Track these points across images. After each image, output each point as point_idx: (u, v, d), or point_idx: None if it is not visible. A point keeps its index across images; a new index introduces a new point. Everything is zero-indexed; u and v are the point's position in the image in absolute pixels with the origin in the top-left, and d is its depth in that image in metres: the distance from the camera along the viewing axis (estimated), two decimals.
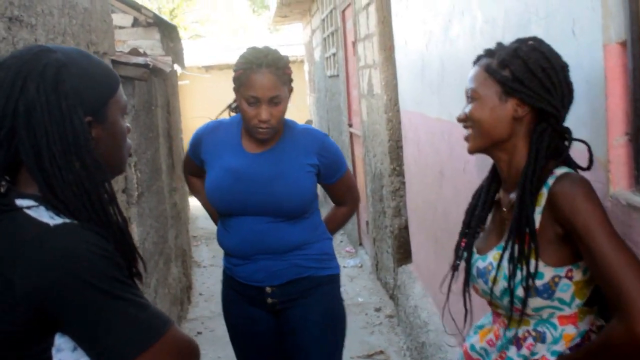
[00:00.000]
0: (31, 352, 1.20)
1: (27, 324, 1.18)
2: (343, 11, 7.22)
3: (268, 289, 2.62)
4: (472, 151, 1.76)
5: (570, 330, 1.64)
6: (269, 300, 2.63)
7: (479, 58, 1.78)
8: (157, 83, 5.21)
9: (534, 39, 1.71)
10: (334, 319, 2.71)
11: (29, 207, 1.24)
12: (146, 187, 4.30)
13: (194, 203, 10.98)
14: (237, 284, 2.69)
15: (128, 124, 1.46)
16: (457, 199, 3.43)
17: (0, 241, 1.22)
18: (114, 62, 3.68)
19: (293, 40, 15.13)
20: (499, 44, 1.76)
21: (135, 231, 3.89)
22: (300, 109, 14.17)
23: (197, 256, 8.09)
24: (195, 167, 2.83)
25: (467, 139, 1.77)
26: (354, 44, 6.55)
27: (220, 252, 2.80)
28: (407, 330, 4.84)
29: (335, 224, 2.87)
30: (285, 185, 2.54)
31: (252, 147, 2.62)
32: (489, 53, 1.75)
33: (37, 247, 1.18)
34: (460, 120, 1.76)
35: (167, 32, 6.58)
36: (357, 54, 6.42)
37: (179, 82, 9.79)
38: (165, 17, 22.61)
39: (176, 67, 8.05)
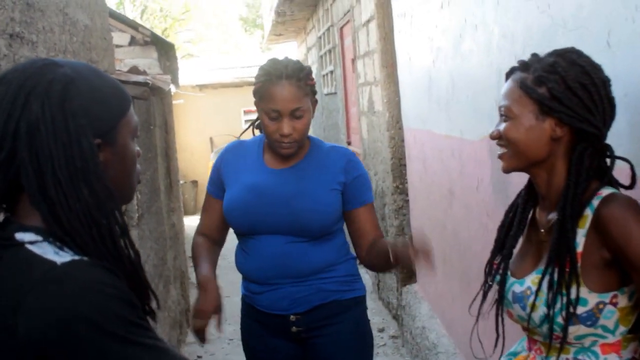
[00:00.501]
0: None
1: None
2: (341, 28, 7.17)
3: (292, 317, 2.45)
4: (507, 171, 1.66)
5: (613, 359, 1.54)
6: (294, 329, 2.46)
7: (512, 71, 1.66)
8: (155, 102, 5.12)
9: (572, 50, 1.59)
10: (363, 344, 2.55)
11: (31, 242, 1.10)
12: (146, 208, 4.20)
13: (188, 223, 10.88)
14: (259, 313, 2.52)
15: (138, 148, 1.33)
16: (469, 218, 3.35)
17: (1, 282, 1.09)
18: None
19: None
20: (534, 55, 1.63)
21: None
22: None
23: (195, 277, 7.96)
24: (215, 215, 2.55)
25: (501, 157, 1.66)
26: (353, 61, 6.49)
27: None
28: (414, 352, 4.73)
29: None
30: (308, 203, 2.39)
31: (274, 164, 2.47)
32: (523, 66, 1.62)
33: (42, 289, 1.05)
34: (493, 137, 1.66)
35: (164, 50, 6.51)
36: (357, 71, 6.36)
37: (174, 101, 9.70)
38: None
39: (171, 86, 7.98)
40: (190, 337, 5.87)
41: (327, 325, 2.47)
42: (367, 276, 7.08)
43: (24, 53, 2.22)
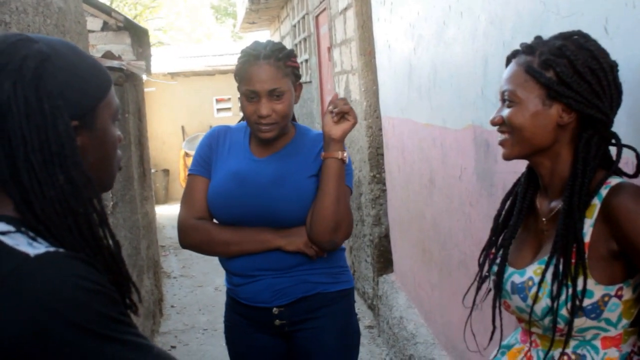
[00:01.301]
0: None
1: None
2: (317, 16, 7.10)
3: (275, 310, 2.38)
4: (509, 158, 1.60)
5: (613, 353, 1.51)
6: (277, 322, 2.39)
7: (514, 54, 1.59)
8: (128, 89, 5.02)
9: (579, 33, 1.53)
10: (349, 339, 2.48)
11: (2, 233, 1.02)
12: (120, 196, 4.11)
13: (160, 212, 10.77)
14: (241, 306, 2.44)
15: (119, 132, 1.24)
16: (450, 207, 3.32)
17: None
18: None
19: None
20: (538, 38, 1.57)
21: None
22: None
23: (167, 267, 7.87)
24: (205, 195, 2.42)
25: (502, 144, 1.59)
26: (329, 49, 6.42)
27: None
28: (391, 342, 4.71)
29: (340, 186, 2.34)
30: (284, 190, 2.32)
31: (259, 152, 2.40)
32: (528, 49, 1.56)
33: (14, 283, 0.97)
34: (495, 123, 1.59)
35: (137, 37, 6.38)
36: (333, 59, 6.30)
37: (146, 89, 9.54)
38: None
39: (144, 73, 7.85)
40: (164, 327, 5.80)
41: (312, 319, 2.41)
42: None
43: None
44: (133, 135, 5.21)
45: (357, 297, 6.12)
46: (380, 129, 4.96)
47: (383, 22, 4.41)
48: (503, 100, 1.58)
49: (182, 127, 14.38)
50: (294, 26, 8.86)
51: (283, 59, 2.29)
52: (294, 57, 2.36)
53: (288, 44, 9.84)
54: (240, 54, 2.33)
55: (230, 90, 14.90)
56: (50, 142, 1.04)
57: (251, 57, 2.29)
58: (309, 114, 8.31)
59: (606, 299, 1.48)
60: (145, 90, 9.38)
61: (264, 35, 14.02)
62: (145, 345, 1.04)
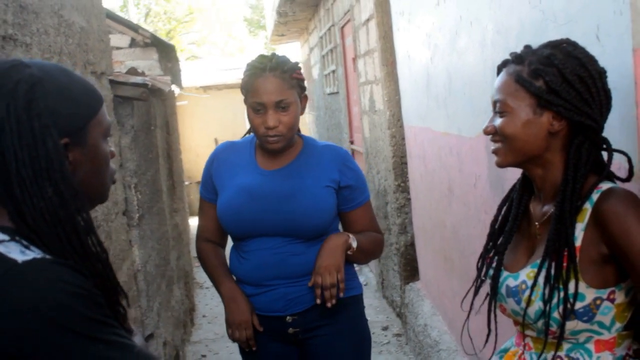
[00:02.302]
0: None
1: None
2: (342, 27, 7.16)
3: (289, 318, 2.42)
4: (502, 166, 1.63)
5: (606, 357, 1.53)
6: (291, 330, 2.44)
7: (504, 63, 1.63)
8: (155, 103, 5.13)
9: (567, 41, 1.56)
10: (361, 344, 2.54)
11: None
12: (147, 208, 4.20)
13: (193, 223, 10.89)
14: (255, 316, 2.48)
15: (112, 148, 1.33)
16: (467, 215, 3.34)
17: None
18: (112, 82, 3.60)
19: (290, 58, 15.08)
20: (527, 47, 1.61)
21: (136, 254, 3.79)
22: (300, 128, 14.13)
23: (199, 277, 7.98)
24: (212, 218, 2.53)
25: (496, 152, 1.63)
26: (354, 60, 6.48)
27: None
28: (417, 350, 4.73)
29: (365, 243, 2.46)
30: (302, 203, 2.36)
31: (267, 165, 2.44)
32: (517, 59, 1.59)
33: (2, 289, 1.05)
34: (487, 133, 1.63)
35: (165, 52, 6.52)
36: (358, 70, 6.35)
37: (178, 103, 9.72)
38: (163, 37, 22.65)
39: (174, 87, 8.00)
40: (195, 337, 5.88)
41: (324, 326, 2.45)
42: (371, 274, 7.08)
43: (17, 55, 2.23)
44: (161, 148, 5.32)
45: (386, 306, 6.16)
46: (404, 138, 4.99)
47: (403, 33, 4.46)
48: (495, 110, 1.62)
49: (215, 140, 14.55)
50: (321, 37, 8.94)
51: (289, 72, 2.34)
52: (298, 69, 2.42)
53: (316, 55, 9.93)
54: (246, 68, 2.39)
55: None
56: (39, 158, 1.13)
57: (257, 70, 2.34)
58: (337, 124, 8.37)
59: (598, 302, 1.50)
60: (178, 104, 9.55)
61: (294, 47, 14.15)
62: (128, 345, 1.11)
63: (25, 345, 1.03)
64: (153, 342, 3.93)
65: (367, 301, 6.35)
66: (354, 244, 2.39)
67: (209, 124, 14.50)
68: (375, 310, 6.16)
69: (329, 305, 2.33)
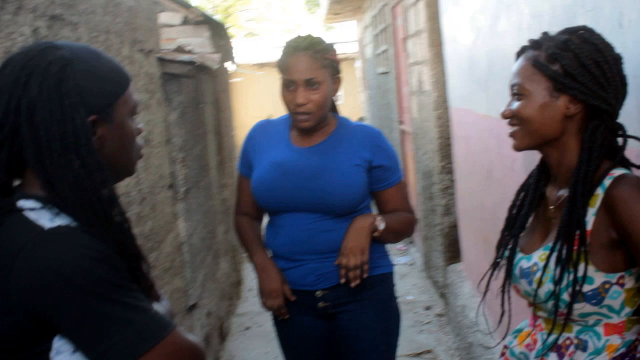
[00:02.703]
0: (31, 353, 1.18)
1: (24, 328, 1.16)
2: (394, 8, 7.15)
3: (319, 293, 2.49)
4: (519, 149, 1.68)
5: (615, 340, 1.56)
6: (320, 304, 2.51)
7: (523, 50, 1.67)
8: (205, 80, 5.24)
9: (584, 28, 1.59)
10: (388, 321, 2.58)
11: (31, 209, 1.21)
12: (194, 183, 4.32)
13: None
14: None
15: (140, 125, 1.42)
16: (505, 198, 3.34)
17: (0, 245, 1.20)
18: (160, 59, 3.71)
19: (347, 37, 15.08)
20: (545, 34, 1.64)
21: (182, 226, 3.92)
22: (354, 107, 14.15)
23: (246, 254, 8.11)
24: (249, 194, 2.59)
25: (513, 136, 1.67)
26: (404, 40, 6.48)
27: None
28: (457, 330, 4.77)
29: (394, 223, 2.51)
30: (333, 180, 2.43)
31: (301, 142, 2.52)
32: (535, 45, 1.63)
33: (30, 252, 1.15)
34: (505, 117, 1.67)
35: (218, 30, 6.61)
36: (407, 50, 6.35)
37: (233, 80, 9.84)
38: (220, 15, 22.83)
39: (229, 64, 8.10)
40: (241, 309, 6.03)
41: (353, 302, 2.51)
42: (417, 254, 7.11)
43: (65, 34, 2.34)
44: (210, 124, 5.44)
45: (429, 286, 6.20)
46: (449, 120, 5.00)
47: (450, 14, 4.45)
48: (513, 94, 1.65)
49: (270, 117, 14.67)
50: (374, 17, 8.94)
51: (322, 52, 2.41)
52: (333, 51, 2.47)
53: (369, 35, 9.92)
54: (283, 47, 2.47)
55: None
56: (68, 134, 1.22)
57: (291, 49, 2.42)
58: (388, 104, 8.38)
59: (607, 286, 1.53)
60: (232, 81, 9.68)
61: (350, 25, 14.13)
62: (144, 307, 1.20)
63: (49, 306, 1.13)
64: (196, 312, 4.07)
65: (412, 281, 6.47)
66: (381, 226, 2.44)
67: (263, 100, 14.63)
68: (419, 290, 6.21)
69: (352, 285, 2.40)
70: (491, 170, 3.64)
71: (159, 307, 1.45)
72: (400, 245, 7.69)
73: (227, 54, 7.71)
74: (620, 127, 1.58)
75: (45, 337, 1.17)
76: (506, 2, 2.89)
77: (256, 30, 28.14)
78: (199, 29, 5.74)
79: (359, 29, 12.43)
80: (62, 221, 1.19)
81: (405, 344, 4.86)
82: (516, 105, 1.63)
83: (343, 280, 2.41)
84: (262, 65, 14.66)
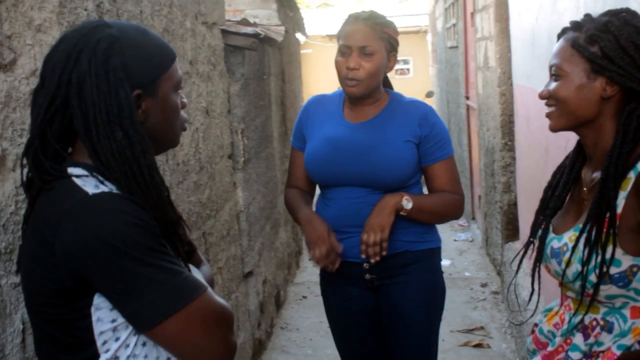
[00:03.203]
0: (72, 308, 1.28)
1: (67, 284, 1.26)
2: None
3: (365, 265, 2.54)
4: (554, 129, 1.70)
5: None
6: (367, 276, 2.57)
7: (564, 31, 1.68)
8: (270, 52, 5.32)
9: (627, 10, 1.60)
10: (432, 296, 2.62)
11: (78, 176, 1.30)
12: (254, 153, 4.43)
13: None
14: None
15: (184, 99, 1.50)
16: None
17: (47, 207, 1.30)
18: (223, 31, 3.80)
19: (420, 10, 14.91)
20: (587, 16, 1.65)
21: (240, 195, 4.03)
22: (423, 80, 14.03)
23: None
24: (301, 167, 2.65)
25: (549, 116, 1.69)
26: (472, 14, 6.41)
27: None
28: (510, 308, 4.77)
29: (429, 204, 2.54)
30: (382, 155, 2.47)
31: (353, 117, 2.57)
32: (575, 26, 1.64)
33: (74, 215, 1.25)
34: (542, 97, 1.69)
35: (286, 1, 6.68)
36: (475, 25, 6.28)
37: (303, 51, 9.90)
38: None
39: (299, 35, 8.16)
40: (299, 278, 6.15)
41: (399, 275, 2.56)
42: (477, 231, 7.09)
43: (127, 8, 2.44)
44: (275, 96, 5.52)
45: (487, 263, 6.18)
46: (513, 97, 4.95)
47: None
48: (551, 75, 1.66)
49: (339, 88, 14.69)
50: None
51: (380, 25, 2.48)
52: (393, 28, 2.53)
53: (440, 8, 9.81)
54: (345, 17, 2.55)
55: None
56: (112, 106, 1.31)
57: (351, 18, 2.51)
58: (455, 79, 8.31)
59: (635, 269, 1.54)
60: (303, 52, 9.75)
61: None
62: (177, 270, 1.29)
63: (88, 265, 1.24)
64: (252, 279, 4.20)
65: (470, 257, 6.47)
66: (408, 206, 2.45)
67: (333, 72, 14.60)
68: (477, 267, 6.21)
69: (372, 261, 2.44)
70: (547, 149, 3.62)
71: (198, 272, 1.54)
72: (461, 221, 7.68)
73: (297, 25, 7.77)
74: None
75: (86, 293, 1.27)
76: None
77: (329, 1, 28.01)
78: (267, 1, 5.82)
79: (430, 1, 12.28)
80: (105, 188, 1.29)
81: (459, 320, 4.90)
82: (553, 85, 1.65)
83: (363, 256, 2.44)
84: (331, 37, 14.64)
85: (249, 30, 3.91)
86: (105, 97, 1.31)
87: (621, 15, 1.59)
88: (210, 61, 3.54)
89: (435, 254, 2.65)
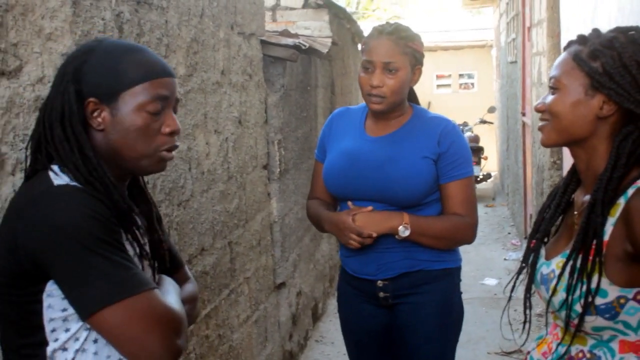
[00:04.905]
0: (27, 291, 1.32)
1: (25, 267, 1.31)
2: None
3: (379, 283, 2.51)
4: (546, 144, 1.63)
5: (630, 359, 1.49)
6: (381, 294, 2.53)
7: (569, 44, 1.62)
8: (318, 63, 5.32)
9: (636, 29, 1.53)
10: (447, 317, 2.55)
11: (54, 171, 1.38)
12: (293, 164, 4.42)
13: None
14: (350, 276, 2.60)
15: (170, 126, 1.47)
16: None
17: (20, 193, 1.40)
18: (263, 42, 3.82)
19: (487, 24, 14.73)
20: (595, 31, 1.58)
21: (274, 206, 4.03)
22: (488, 96, 13.83)
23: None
24: (322, 179, 2.63)
25: (541, 130, 1.62)
26: (529, 29, 6.29)
27: None
28: (503, 336, 4.62)
29: (432, 229, 2.46)
30: (398, 170, 2.42)
31: (374, 131, 2.53)
32: (581, 39, 1.58)
33: (36, 202, 1.31)
34: (538, 110, 1.62)
35: (342, 14, 6.68)
36: (531, 39, 6.16)
37: None
38: None
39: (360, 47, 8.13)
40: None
41: (414, 294, 2.51)
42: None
43: (151, 18, 2.46)
44: (321, 107, 5.52)
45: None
46: None
47: (568, 5, 4.29)
48: (549, 87, 1.60)
49: None
50: (507, 4, 8.70)
51: (404, 39, 2.41)
52: (417, 41, 2.47)
53: (504, 22, 9.66)
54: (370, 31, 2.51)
55: (451, 67, 14.86)
56: (57, 104, 1.41)
57: (375, 32, 2.46)
58: (514, 95, 8.16)
59: (622, 301, 1.47)
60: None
61: (487, 11, 13.79)
62: (126, 265, 1.32)
63: (42, 250, 1.29)
64: (284, 290, 4.18)
65: (520, 277, 6.28)
66: (404, 233, 2.40)
67: None
68: (523, 287, 6.04)
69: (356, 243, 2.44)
70: None
71: (171, 285, 1.55)
72: (514, 240, 7.51)
73: (357, 37, 7.76)
74: None
75: (41, 279, 1.32)
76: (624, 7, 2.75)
77: (400, 14, 27.96)
78: (319, 13, 5.83)
79: (494, 15, 12.12)
80: (74, 182, 1.36)
81: (497, 341, 4.78)
82: (549, 98, 1.58)
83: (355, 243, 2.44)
84: None
85: (289, 41, 3.92)
86: (54, 96, 1.41)
87: (629, 33, 1.52)
88: (246, 71, 3.56)
89: (452, 274, 2.58)
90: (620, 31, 1.54)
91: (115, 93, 1.41)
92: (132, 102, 1.42)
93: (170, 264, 1.64)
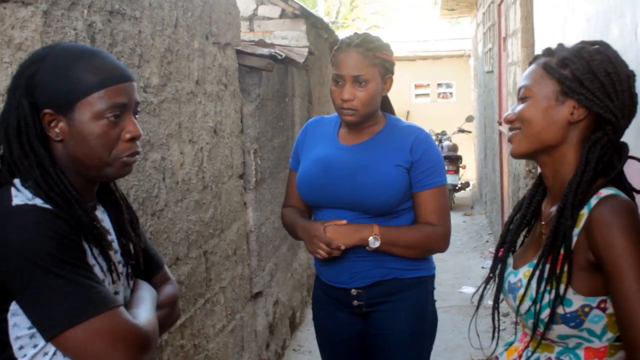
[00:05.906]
0: None
1: None
2: (499, 5, 7.02)
3: (353, 291, 2.52)
4: (516, 154, 1.65)
5: None
6: (355, 302, 2.53)
7: (535, 57, 1.65)
8: (295, 73, 5.34)
9: (601, 42, 1.58)
10: (420, 325, 2.57)
11: (16, 187, 1.35)
12: (269, 174, 4.43)
13: None
14: (324, 285, 2.61)
15: (130, 132, 1.44)
16: None
17: None
18: (239, 52, 3.83)
19: (465, 33, 14.85)
20: (560, 45, 1.63)
21: (250, 215, 4.03)
22: (465, 105, 13.93)
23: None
24: (295, 188, 2.64)
25: (511, 140, 1.64)
26: (505, 39, 6.35)
27: None
28: (472, 345, 4.64)
29: (403, 239, 2.47)
30: (371, 178, 2.43)
31: (346, 139, 2.54)
32: (548, 52, 1.62)
33: None
34: (507, 120, 1.64)
35: (320, 23, 6.71)
36: (507, 49, 6.22)
37: None
38: (345, 7, 22.95)
39: None
40: None
41: (387, 302, 2.52)
42: None
43: (123, 28, 2.46)
44: (298, 117, 5.53)
45: None
46: None
47: (543, 15, 4.33)
48: (519, 99, 1.63)
49: None
50: (484, 14, 8.78)
51: (373, 50, 2.41)
52: (386, 50, 2.47)
53: (480, 32, 9.74)
54: (338, 43, 2.51)
55: (429, 76, 14.95)
56: (12, 119, 1.39)
57: (344, 45, 2.46)
58: (491, 104, 8.22)
59: (587, 309, 1.49)
60: None
61: (465, 21, 13.90)
62: (88, 284, 1.31)
63: (3, 272, 1.28)
64: (260, 299, 4.18)
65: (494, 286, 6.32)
66: (374, 244, 2.42)
67: None
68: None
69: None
70: None
71: (147, 290, 1.54)
72: (491, 249, 7.55)
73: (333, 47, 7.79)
74: (623, 146, 1.53)
75: (5, 299, 1.31)
76: (604, 14, 2.78)
77: (380, 23, 28.10)
78: (296, 22, 5.85)
79: (471, 26, 12.23)
80: (37, 200, 1.33)
81: (474, 349, 4.80)
82: (519, 107, 1.61)
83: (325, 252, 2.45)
84: None
85: (264, 51, 3.93)
86: (9, 109, 1.39)
87: (595, 46, 1.57)
88: (222, 81, 3.56)
89: (425, 282, 2.59)
90: (586, 43, 1.59)
91: (70, 103, 1.39)
92: (88, 111, 1.39)
93: (149, 266, 1.63)
